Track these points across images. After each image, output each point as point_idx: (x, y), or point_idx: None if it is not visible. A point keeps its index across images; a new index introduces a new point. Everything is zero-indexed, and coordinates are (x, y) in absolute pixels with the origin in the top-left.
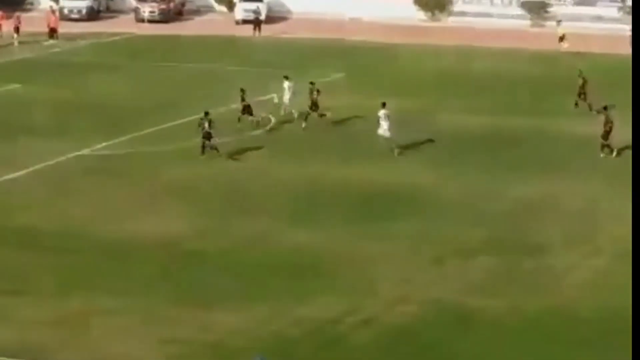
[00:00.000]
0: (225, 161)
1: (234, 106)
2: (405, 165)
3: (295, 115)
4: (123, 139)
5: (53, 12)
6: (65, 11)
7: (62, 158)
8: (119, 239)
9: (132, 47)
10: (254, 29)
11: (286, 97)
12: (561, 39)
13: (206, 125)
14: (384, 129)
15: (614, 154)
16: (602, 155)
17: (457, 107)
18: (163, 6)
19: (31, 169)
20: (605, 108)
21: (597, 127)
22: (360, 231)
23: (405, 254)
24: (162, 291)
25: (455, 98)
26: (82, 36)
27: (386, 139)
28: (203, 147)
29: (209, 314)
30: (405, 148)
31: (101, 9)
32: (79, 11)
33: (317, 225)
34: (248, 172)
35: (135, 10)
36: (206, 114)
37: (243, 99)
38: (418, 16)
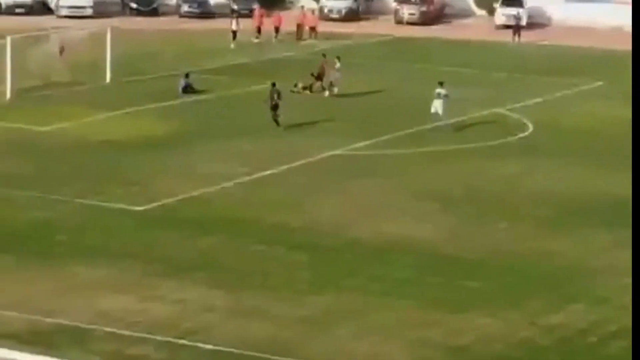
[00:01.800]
0: (476, 165)
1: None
2: None
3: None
4: (380, 139)
5: (312, 11)
6: (325, 10)
7: (318, 157)
8: (371, 239)
9: (389, 48)
10: (514, 34)
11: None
12: None
13: (275, 96)
14: (435, 106)
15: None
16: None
17: None
18: (423, 8)
19: (286, 166)
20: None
21: None
22: (617, 239)
23: None
24: (413, 295)
25: None
26: (339, 36)
27: (438, 118)
28: (276, 120)
29: (458, 318)
30: None
31: (361, 9)
32: (339, 11)
33: (571, 233)
34: (498, 180)
35: (395, 12)
36: (273, 85)
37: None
38: None
